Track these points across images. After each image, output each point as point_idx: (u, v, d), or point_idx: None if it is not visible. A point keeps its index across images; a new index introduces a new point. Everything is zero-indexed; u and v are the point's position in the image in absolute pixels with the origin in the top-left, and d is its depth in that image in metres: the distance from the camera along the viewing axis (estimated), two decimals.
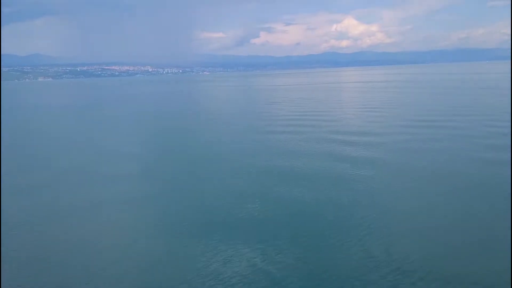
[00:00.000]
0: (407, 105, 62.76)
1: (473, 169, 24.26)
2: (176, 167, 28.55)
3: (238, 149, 33.38)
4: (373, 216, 17.29)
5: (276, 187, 22.00)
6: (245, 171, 25.88)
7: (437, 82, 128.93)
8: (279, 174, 24.71)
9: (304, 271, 13.10)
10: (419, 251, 14.17)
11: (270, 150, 32.04)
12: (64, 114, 77.34)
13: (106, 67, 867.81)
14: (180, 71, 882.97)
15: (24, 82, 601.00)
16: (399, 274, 12.68)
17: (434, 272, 12.74)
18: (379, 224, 16.52)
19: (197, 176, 25.38)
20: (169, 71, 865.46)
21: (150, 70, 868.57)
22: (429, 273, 12.66)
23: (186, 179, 24.98)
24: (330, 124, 45.39)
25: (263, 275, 12.96)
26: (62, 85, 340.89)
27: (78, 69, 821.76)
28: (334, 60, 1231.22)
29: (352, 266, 13.31)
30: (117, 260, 14.44)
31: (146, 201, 20.97)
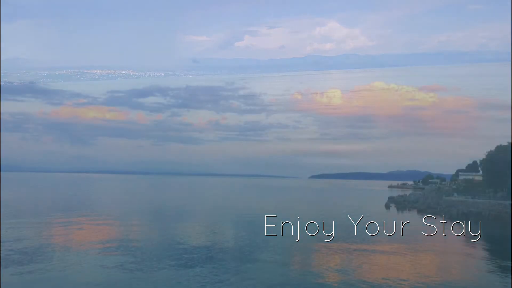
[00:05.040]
0: None
1: None
2: None
3: None
4: None
5: None
6: None
7: None
8: None
9: None
10: None
11: None
12: None
13: (85, 71, 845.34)
14: (163, 74, 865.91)
15: None
16: None
17: None
18: None
19: None
20: (151, 74, 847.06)
21: (131, 74, 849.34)
22: None
23: None
24: None
25: None
26: None
27: (57, 73, 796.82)
28: (318, 62, 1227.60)
29: None
30: None
31: None
